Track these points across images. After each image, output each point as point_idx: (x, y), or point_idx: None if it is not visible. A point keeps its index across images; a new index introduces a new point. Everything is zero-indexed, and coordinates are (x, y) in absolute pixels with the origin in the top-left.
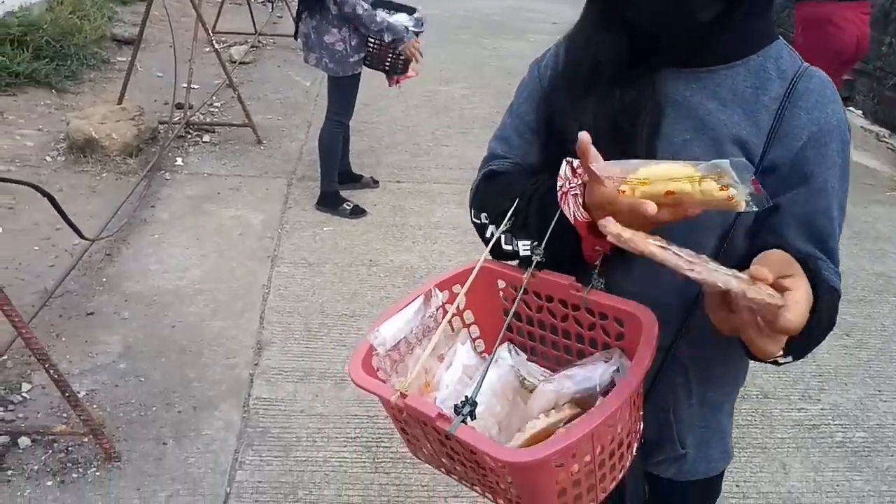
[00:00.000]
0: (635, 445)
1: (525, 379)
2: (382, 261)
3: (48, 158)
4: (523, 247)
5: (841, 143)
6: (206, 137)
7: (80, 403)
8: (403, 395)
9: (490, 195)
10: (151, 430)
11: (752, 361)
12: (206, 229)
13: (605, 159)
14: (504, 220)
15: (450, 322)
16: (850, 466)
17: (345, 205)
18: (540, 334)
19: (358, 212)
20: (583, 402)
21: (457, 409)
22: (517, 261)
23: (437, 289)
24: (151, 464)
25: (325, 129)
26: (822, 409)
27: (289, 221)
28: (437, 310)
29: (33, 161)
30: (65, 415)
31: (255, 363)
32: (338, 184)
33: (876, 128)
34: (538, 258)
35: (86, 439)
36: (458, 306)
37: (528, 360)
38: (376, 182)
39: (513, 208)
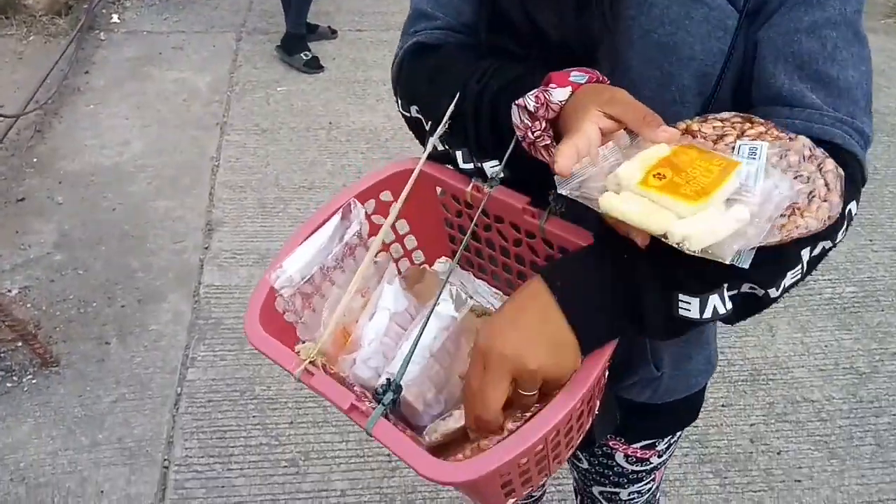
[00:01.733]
0: (597, 403)
1: (471, 297)
2: (343, 123)
3: None
4: (490, 168)
5: None
6: None
7: (2, 308)
8: (310, 372)
9: (420, 82)
10: (92, 328)
11: None
12: (146, 96)
13: (565, 16)
14: (441, 123)
15: (383, 244)
16: (839, 324)
17: (302, 53)
18: (489, 253)
19: (313, 65)
20: None
21: (376, 395)
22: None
23: (356, 200)
24: (94, 366)
25: None
26: None
27: (238, 82)
28: (361, 223)
29: None
30: None
31: (206, 246)
32: (305, 28)
33: None
34: (495, 184)
35: (19, 343)
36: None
37: (475, 276)
38: (334, 32)
39: (450, 110)
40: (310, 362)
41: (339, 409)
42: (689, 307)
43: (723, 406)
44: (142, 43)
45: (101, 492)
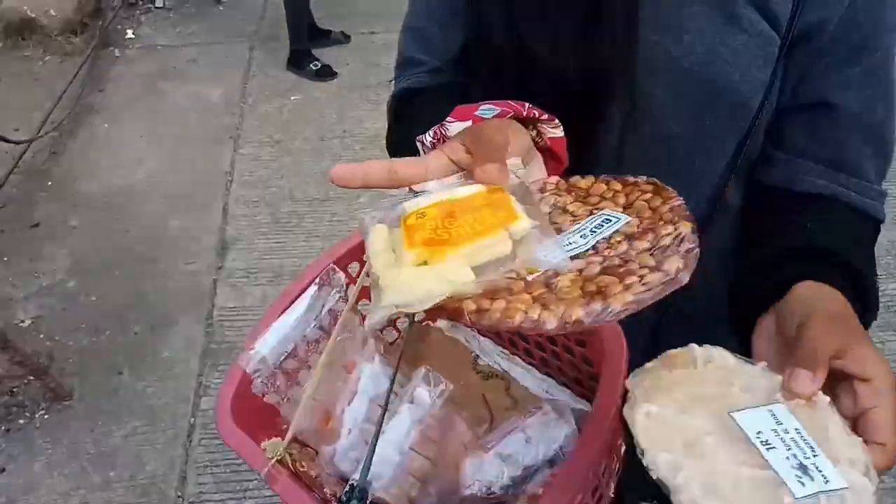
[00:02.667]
0: (615, 481)
1: (478, 357)
2: (357, 130)
3: None
4: None
5: None
6: (159, 2)
7: (10, 345)
8: (275, 476)
9: (400, 134)
10: (105, 358)
11: None
12: (161, 112)
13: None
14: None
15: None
16: (883, 325)
17: (311, 64)
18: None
19: (324, 73)
20: None
21: (340, 502)
22: None
23: (335, 266)
24: (106, 398)
25: None
26: None
27: (252, 93)
28: (346, 288)
29: None
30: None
31: (219, 266)
32: (308, 41)
33: None
34: None
35: (32, 378)
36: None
37: (480, 333)
38: (347, 37)
39: None
40: (277, 461)
41: None
42: None
43: None
44: (156, 57)
45: None
